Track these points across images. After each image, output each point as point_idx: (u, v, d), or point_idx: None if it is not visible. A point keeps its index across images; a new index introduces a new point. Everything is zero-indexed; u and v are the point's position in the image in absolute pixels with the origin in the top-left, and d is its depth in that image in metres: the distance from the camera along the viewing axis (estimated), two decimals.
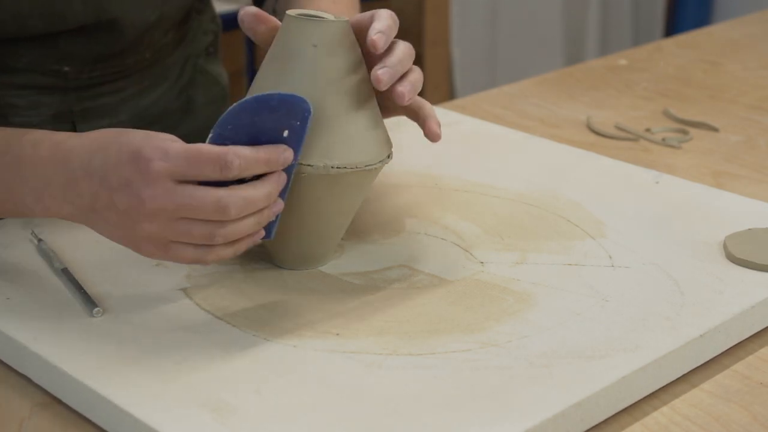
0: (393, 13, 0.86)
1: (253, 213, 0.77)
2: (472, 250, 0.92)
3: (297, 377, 0.74)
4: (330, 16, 0.84)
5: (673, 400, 0.78)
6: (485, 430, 0.69)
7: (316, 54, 0.82)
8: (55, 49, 1.01)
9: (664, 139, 1.23)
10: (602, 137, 1.25)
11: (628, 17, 3.21)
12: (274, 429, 0.69)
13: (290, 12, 0.84)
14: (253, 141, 0.77)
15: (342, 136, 0.82)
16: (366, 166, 0.84)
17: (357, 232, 0.95)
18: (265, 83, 0.83)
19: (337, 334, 0.79)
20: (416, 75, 0.86)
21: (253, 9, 0.87)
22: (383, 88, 0.82)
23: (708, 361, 0.82)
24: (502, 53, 2.97)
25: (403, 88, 0.83)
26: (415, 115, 0.90)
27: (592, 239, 0.94)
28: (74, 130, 1.06)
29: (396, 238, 0.94)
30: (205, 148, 0.75)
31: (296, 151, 0.80)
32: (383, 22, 0.84)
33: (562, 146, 1.16)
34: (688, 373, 0.80)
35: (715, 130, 1.27)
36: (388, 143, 0.87)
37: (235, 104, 0.77)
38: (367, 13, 0.87)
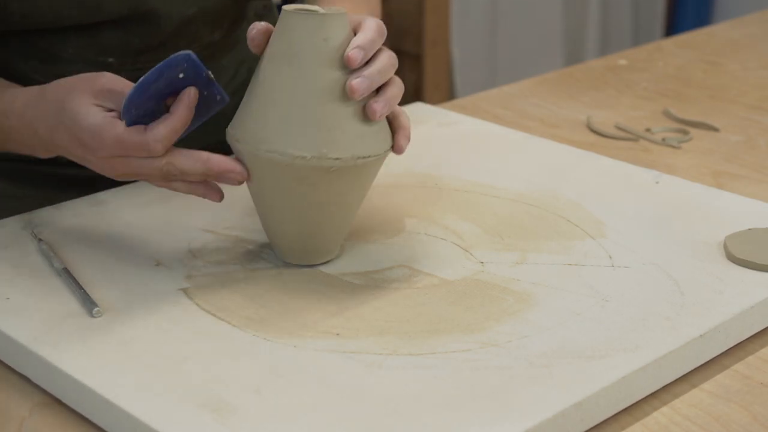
0: (381, 24, 0.85)
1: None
2: (472, 250, 0.92)
3: (297, 377, 0.74)
4: (322, 10, 0.84)
5: (674, 400, 0.78)
6: (485, 430, 0.69)
7: (327, 47, 0.82)
8: (96, 40, 1.03)
9: (664, 139, 1.23)
10: (602, 137, 1.25)
11: (628, 17, 3.22)
12: (274, 429, 0.69)
13: (287, 7, 0.84)
14: (159, 98, 0.83)
15: (348, 129, 0.83)
16: (368, 157, 0.84)
17: (357, 232, 0.95)
18: (277, 80, 0.83)
19: (337, 334, 0.79)
20: (394, 89, 0.85)
21: (263, 25, 0.86)
22: (358, 98, 0.82)
23: (708, 361, 0.82)
24: (502, 53, 2.97)
25: (377, 105, 0.83)
26: (389, 123, 0.89)
27: (592, 239, 0.94)
28: None
29: (396, 238, 0.94)
30: (126, 137, 0.82)
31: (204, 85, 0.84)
32: (366, 35, 0.83)
33: (562, 146, 1.16)
34: (688, 373, 0.80)
35: (715, 130, 1.27)
36: (389, 134, 0.87)
37: (125, 97, 0.82)
38: (354, 19, 0.86)
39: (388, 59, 0.85)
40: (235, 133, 0.85)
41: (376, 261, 0.90)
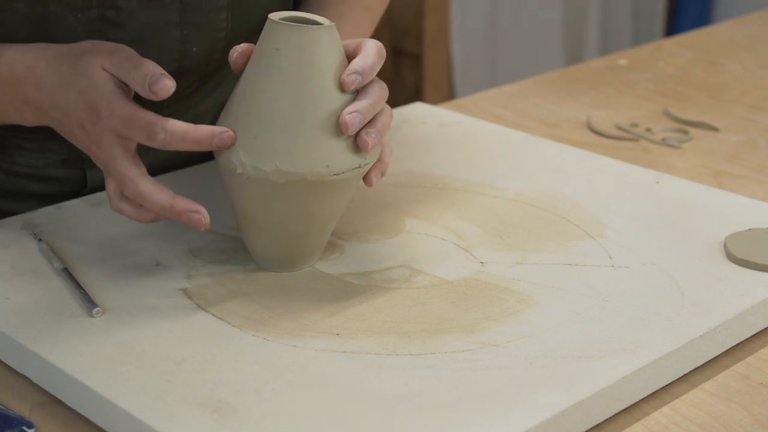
0: (381, 47, 0.85)
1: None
2: (472, 250, 0.92)
3: (297, 377, 0.74)
4: (311, 16, 0.84)
5: (674, 401, 0.78)
6: (485, 430, 0.69)
7: (277, 57, 0.81)
8: None
9: (664, 139, 1.23)
10: (602, 137, 1.25)
11: (628, 17, 3.21)
12: (274, 429, 0.69)
13: (273, 16, 0.83)
14: None
15: (300, 142, 0.81)
16: (343, 173, 0.83)
17: (357, 232, 0.95)
18: (256, 91, 0.83)
19: (337, 334, 0.79)
20: (385, 118, 0.85)
21: (242, 46, 0.85)
22: (351, 133, 0.82)
23: (708, 362, 0.82)
24: (502, 53, 2.97)
25: (368, 138, 0.83)
26: None
27: (592, 239, 0.94)
28: (84, 176, 1.05)
29: (396, 238, 0.94)
30: (139, 114, 0.82)
31: None
32: (365, 60, 0.83)
33: (562, 146, 1.16)
34: (688, 373, 0.80)
35: (716, 130, 1.27)
36: (361, 151, 0.85)
37: None
38: (353, 42, 0.85)
39: (380, 91, 0.84)
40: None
41: (376, 261, 0.90)
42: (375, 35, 1.13)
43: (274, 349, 0.77)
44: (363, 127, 0.83)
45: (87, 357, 0.76)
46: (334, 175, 0.83)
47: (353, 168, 0.84)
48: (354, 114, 0.82)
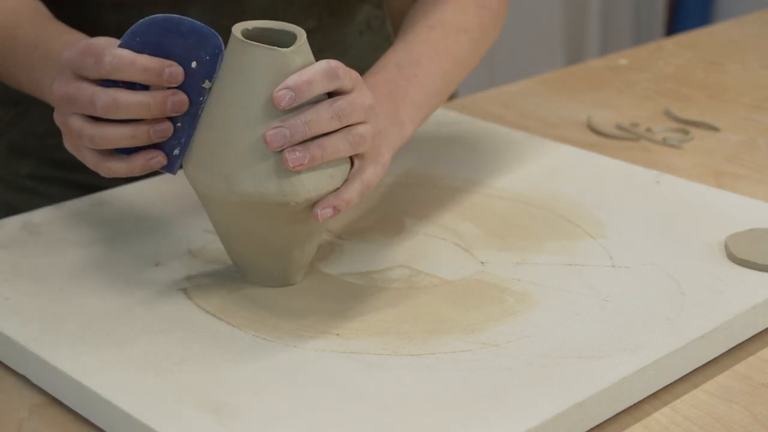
0: (334, 66, 0.78)
1: (128, 122, 0.79)
2: (472, 250, 0.92)
3: (297, 377, 0.74)
4: (291, 30, 0.80)
5: (674, 401, 0.78)
6: (485, 430, 0.69)
7: (231, 75, 0.78)
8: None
9: (664, 139, 1.23)
10: (602, 137, 1.25)
11: (629, 17, 3.21)
12: (274, 429, 0.69)
13: (237, 28, 0.79)
14: (160, 48, 0.79)
15: (253, 165, 0.77)
16: (292, 202, 0.78)
17: (357, 232, 0.95)
18: (221, 109, 0.79)
19: (337, 334, 0.79)
20: (336, 141, 0.78)
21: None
22: (273, 149, 0.76)
23: (709, 362, 0.81)
24: (502, 53, 2.96)
25: (290, 155, 0.76)
26: None
27: (592, 239, 0.94)
28: None
29: (396, 238, 0.94)
30: (92, 42, 0.80)
31: (203, 85, 0.79)
32: (300, 76, 0.76)
33: (562, 146, 1.16)
34: (688, 373, 0.80)
35: (716, 129, 1.27)
36: (344, 173, 0.81)
37: (146, 17, 0.79)
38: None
39: (328, 111, 0.77)
40: (188, 161, 0.81)
41: (376, 261, 0.90)
42: None
43: (274, 349, 0.77)
44: (294, 145, 0.77)
45: (87, 357, 0.76)
46: (295, 202, 0.78)
47: (309, 194, 0.79)
48: (274, 131, 0.76)
